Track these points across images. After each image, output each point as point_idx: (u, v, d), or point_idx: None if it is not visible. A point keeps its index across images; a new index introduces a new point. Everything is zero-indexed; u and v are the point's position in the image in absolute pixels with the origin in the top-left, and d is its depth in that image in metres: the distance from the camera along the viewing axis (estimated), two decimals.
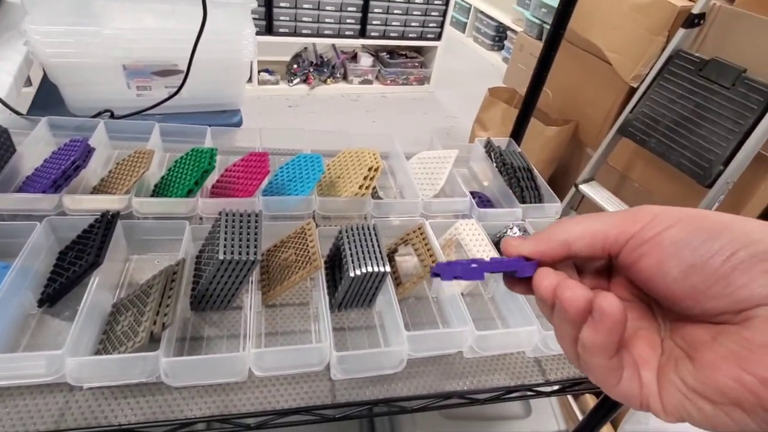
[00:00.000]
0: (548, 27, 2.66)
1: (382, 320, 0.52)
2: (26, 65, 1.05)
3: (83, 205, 0.52)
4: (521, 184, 0.66)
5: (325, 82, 3.24)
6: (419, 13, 3.17)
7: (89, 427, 0.38)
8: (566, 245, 0.21)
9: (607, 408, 0.56)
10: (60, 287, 0.45)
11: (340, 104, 3.10)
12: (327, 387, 0.45)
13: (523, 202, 0.66)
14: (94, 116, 0.75)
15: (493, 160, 0.73)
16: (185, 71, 0.89)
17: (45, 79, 1.04)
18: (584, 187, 2.20)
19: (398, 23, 3.16)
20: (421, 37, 3.31)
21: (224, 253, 0.45)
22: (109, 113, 0.76)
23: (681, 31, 1.78)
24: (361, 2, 2.95)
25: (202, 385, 0.42)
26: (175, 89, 0.91)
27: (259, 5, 2.69)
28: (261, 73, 3.11)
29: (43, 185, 0.53)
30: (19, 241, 0.48)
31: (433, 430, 0.59)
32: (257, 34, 2.76)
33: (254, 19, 2.91)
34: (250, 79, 2.92)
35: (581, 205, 2.45)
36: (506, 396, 0.48)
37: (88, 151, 0.57)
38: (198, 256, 0.52)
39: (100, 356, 0.40)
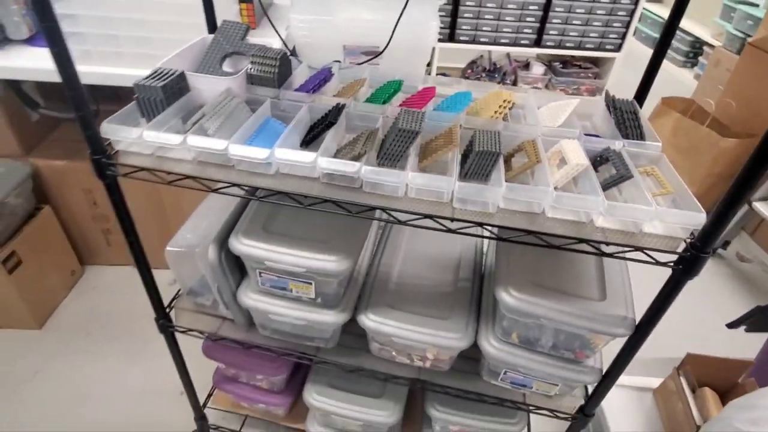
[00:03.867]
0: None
1: None
2: (287, 43, 1.55)
3: (327, 101, 0.89)
4: (625, 124, 0.83)
5: None
6: (600, 23, 3.20)
7: (325, 198, 0.72)
8: None
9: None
10: (313, 136, 0.82)
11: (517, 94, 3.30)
12: (449, 211, 0.72)
13: (625, 137, 0.83)
14: (333, 62, 1.15)
15: (611, 109, 0.91)
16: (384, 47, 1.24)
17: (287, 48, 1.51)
18: (759, 205, 2.04)
19: (576, 33, 3.23)
20: (598, 48, 3.32)
21: (402, 124, 0.76)
22: (339, 62, 1.16)
23: None
24: (540, 12, 3.12)
25: (376, 192, 0.73)
26: (377, 63, 1.28)
27: (446, 15, 3.08)
28: (438, 76, 3.49)
29: (307, 89, 0.92)
30: (291, 115, 0.86)
31: (521, 288, 0.81)
32: (441, 41, 3.28)
33: (440, 28, 3.30)
34: None
35: (759, 230, 2.23)
36: (573, 246, 0.69)
37: (331, 75, 0.94)
38: (385, 137, 0.84)
39: (336, 159, 0.74)
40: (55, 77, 0.68)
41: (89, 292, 1.93)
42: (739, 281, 2.17)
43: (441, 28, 3.38)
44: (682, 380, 1.29)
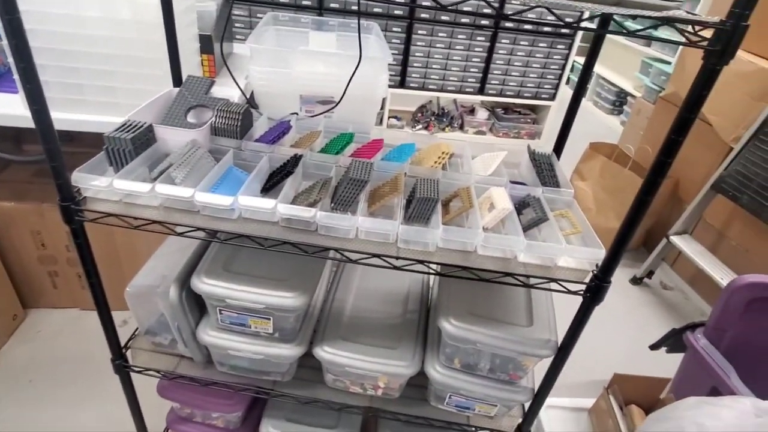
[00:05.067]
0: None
1: None
2: (245, 91, 1.64)
3: (285, 152, 0.99)
4: (544, 173, 0.98)
5: (443, 130, 3.70)
6: (535, 75, 3.51)
7: (284, 240, 0.80)
8: None
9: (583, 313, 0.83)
10: (272, 183, 0.90)
11: (454, 144, 3.52)
12: (394, 250, 0.82)
13: (544, 184, 0.98)
14: (290, 114, 1.25)
15: (533, 161, 1.06)
16: (337, 101, 1.36)
17: (249, 101, 1.61)
18: (676, 239, 2.29)
19: (515, 83, 3.52)
20: (535, 97, 3.63)
21: (353, 174, 0.86)
22: (296, 114, 1.26)
23: None
24: (483, 64, 3.40)
25: (330, 235, 0.82)
26: (332, 114, 1.39)
27: (396, 63, 3.30)
28: (390, 119, 3.69)
29: (267, 140, 1.01)
30: (252, 164, 0.95)
31: (460, 318, 0.92)
32: (392, 87, 3.53)
33: (391, 75, 3.51)
34: (381, 122, 3.51)
35: (678, 260, 2.48)
36: (501, 279, 0.80)
37: (289, 128, 1.04)
38: (338, 184, 0.94)
39: (293, 205, 0.83)
40: (11, 122, 0.73)
41: (32, 337, 1.86)
42: (662, 307, 2.40)
43: (392, 75, 3.59)
44: (611, 399, 1.42)
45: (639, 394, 1.50)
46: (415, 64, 3.34)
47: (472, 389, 0.98)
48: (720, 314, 1.46)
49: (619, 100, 4.56)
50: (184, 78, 1.13)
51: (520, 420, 1.07)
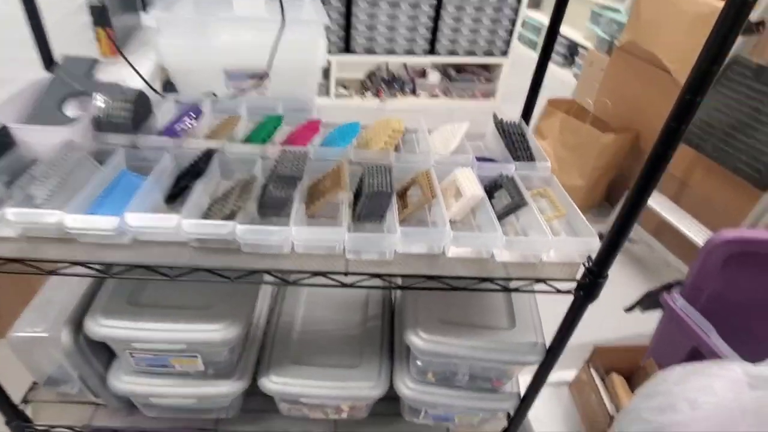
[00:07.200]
0: (617, 43, 2.62)
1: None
2: (157, 71, 1.38)
3: (195, 145, 0.78)
4: (515, 145, 0.82)
5: (394, 96, 3.49)
6: (486, 31, 3.34)
7: (196, 266, 0.61)
8: None
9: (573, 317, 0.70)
10: (178, 190, 0.70)
11: (407, 117, 3.33)
12: (342, 264, 0.64)
13: (516, 159, 0.82)
14: (205, 93, 1.02)
15: (501, 132, 0.90)
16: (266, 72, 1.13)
17: (166, 84, 1.36)
18: None
19: (465, 41, 3.34)
20: (487, 53, 3.46)
21: (282, 169, 0.67)
22: (214, 94, 1.04)
23: (739, 39, 1.79)
24: (431, 23, 3.19)
25: (258, 252, 0.64)
26: (265, 89, 1.16)
27: (339, 28, 3.03)
28: (338, 88, 3.43)
29: (172, 132, 0.79)
30: (154, 165, 0.74)
31: (430, 330, 0.76)
32: (336, 53, 3.19)
33: (334, 40, 3.23)
34: (327, 93, 3.26)
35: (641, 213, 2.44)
36: (477, 286, 0.65)
37: (199, 112, 0.83)
38: (265, 184, 0.75)
39: (204, 220, 0.63)
40: None
41: None
42: (630, 263, 2.37)
43: (335, 40, 3.30)
44: (593, 372, 1.35)
45: (620, 363, 1.43)
46: (358, 26, 3.08)
47: (451, 403, 0.85)
48: (697, 273, 1.39)
49: (571, 53, 4.46)
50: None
51: (505, 424, 0.95)
